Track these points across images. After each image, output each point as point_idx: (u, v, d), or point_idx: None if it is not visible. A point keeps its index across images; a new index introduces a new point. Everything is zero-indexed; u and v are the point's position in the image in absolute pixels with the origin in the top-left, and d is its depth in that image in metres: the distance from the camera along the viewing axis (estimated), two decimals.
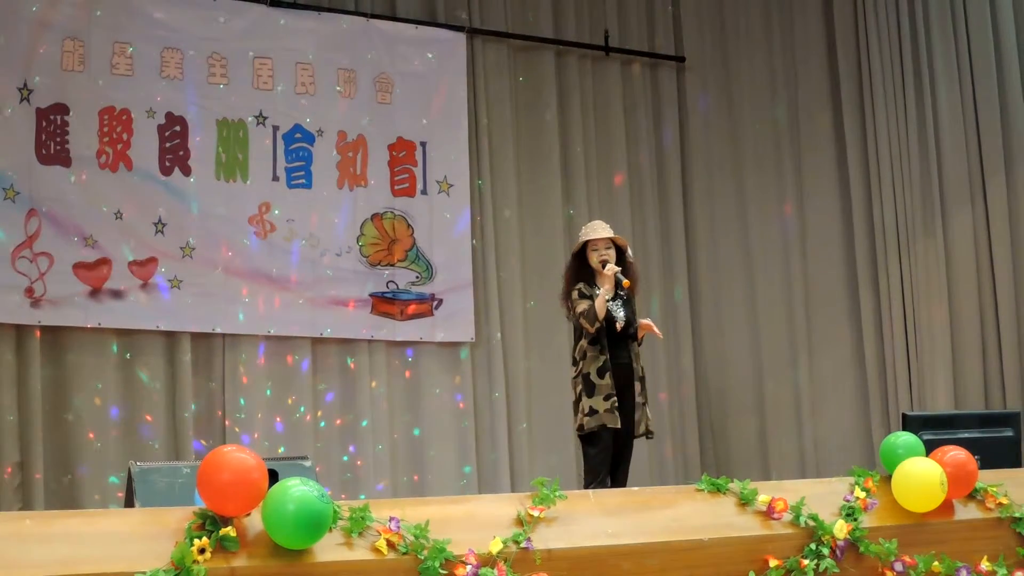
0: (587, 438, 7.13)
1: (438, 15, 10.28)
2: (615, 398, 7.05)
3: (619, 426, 7.02)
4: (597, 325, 7.07)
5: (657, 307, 10.81)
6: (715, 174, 11.20)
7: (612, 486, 6.97)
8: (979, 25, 9.20)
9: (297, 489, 4.18)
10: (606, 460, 7.10)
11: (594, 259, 7.21)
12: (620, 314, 7.17)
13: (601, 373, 7.07)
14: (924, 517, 5.42)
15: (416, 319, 9.88)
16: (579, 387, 7.13)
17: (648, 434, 7.29)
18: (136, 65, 9.08)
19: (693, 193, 11.26)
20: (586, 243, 7.28)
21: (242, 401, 9.21)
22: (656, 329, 7.30)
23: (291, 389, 9.41)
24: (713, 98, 11.27)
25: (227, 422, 9.12)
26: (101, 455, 8.68)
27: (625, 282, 7.12)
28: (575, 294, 7.19)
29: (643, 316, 7.54)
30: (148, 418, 8.90)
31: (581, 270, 7.28)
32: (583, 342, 7.17)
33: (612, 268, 7.13)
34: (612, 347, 7.15)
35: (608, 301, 7.13)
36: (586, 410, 7.07)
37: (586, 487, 6.90)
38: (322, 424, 9.50)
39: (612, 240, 7.26)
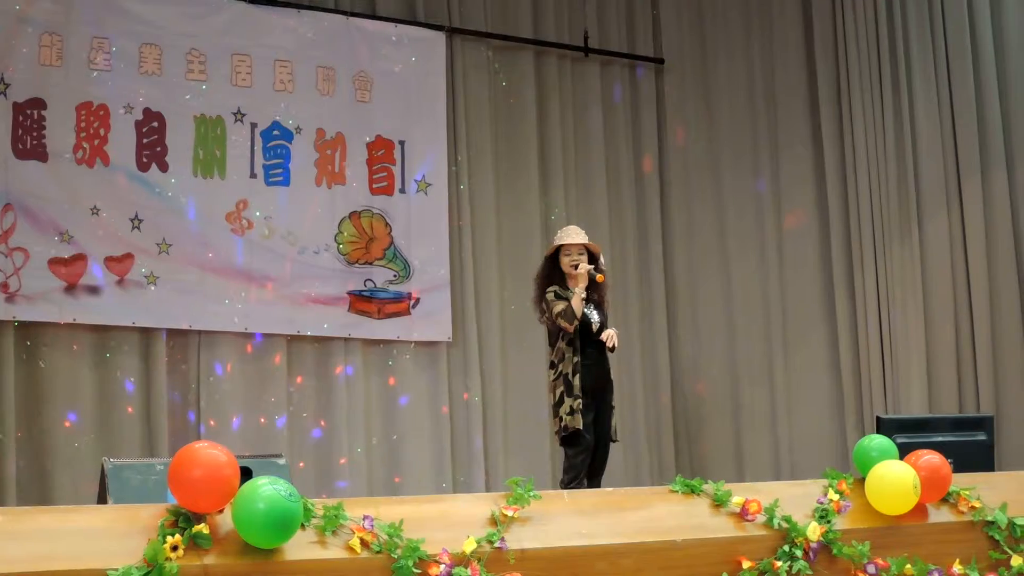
0: (568, 439, 7.12)
1: (418, 14, 10.28)
2: (581, 400, 7.06)
3: (581, 427, 7.03)
4: (576, 323, 7.08)
5: (634, 308, 10.82)
6: (692, 176, 11.22)
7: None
8: (956, 30, 9.24)
9: (266, 488, 4.16)
10: (586, 462, 7.10)
11: (566, 263, 7.22)
12: (595, 317, 7.20)
13: (573, 374, 7.08)
14: (897, 520, 5.43)
15: (393, 318, 9.87)
16: (559, 389, 7.13)
17: (614, 437, 7.33)
18: (114, 60, 9.05)
19: (670, 195, 11.29)
20: (559, 247, 7.29)
21: (217, 398, 9.20)
22: (614, 339, 7.26)
23: (267, 387, 9.40)
24: (691, 100, 11.29)
25: (202, 419, 9.11)
26: (75, 451, 8.66)
27: (599, 276, 7.14)
28: (550, 295, 7.19)
29: (622, 318, 7.53)
30: (122, 414, 8.88)
31: (552, 273, 7.30)
32: (561, 344, 7.17)
33: (584, 267, 7.15)
34: (589, 350, 7.16)
35: (584, 302, 7.15)
36: (567, 410, 7.07)
37: (563, 487, 6.90)
38: (297, 422, 9.49)
39: (585, 246, 7.28)
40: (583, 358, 7.14)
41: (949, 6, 9.30)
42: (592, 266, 7.19)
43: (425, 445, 9.85)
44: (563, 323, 7.10)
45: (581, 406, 7.03)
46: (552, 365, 7.24)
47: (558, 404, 7.13)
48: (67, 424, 8.71)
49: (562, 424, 7.09)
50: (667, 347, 11.04)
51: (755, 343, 10.69)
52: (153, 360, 9.04)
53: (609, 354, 7.31)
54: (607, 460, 7.33)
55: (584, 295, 7.12)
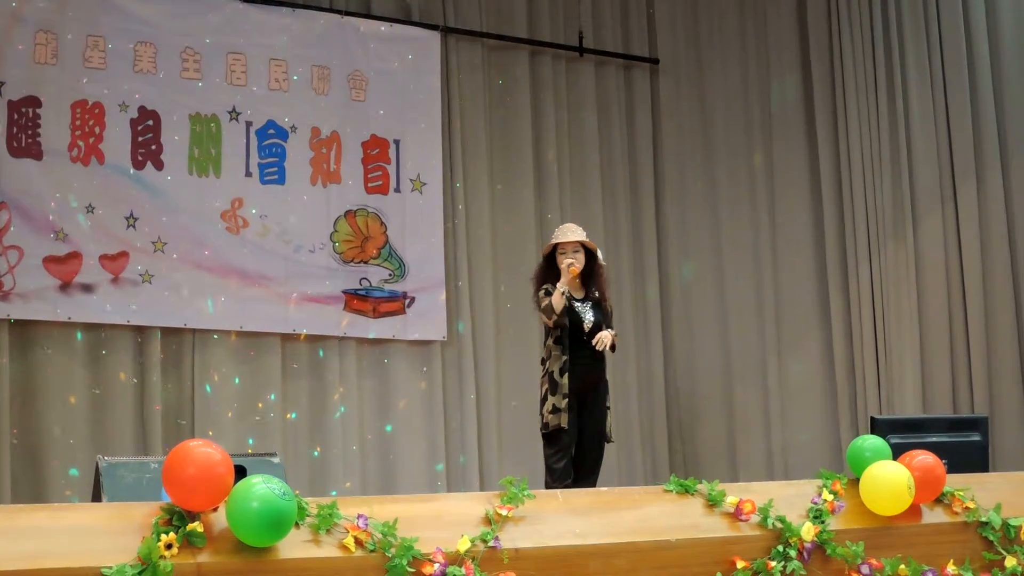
0: (548, 437, 7.16)
1: (413, 13, 10.28)
2: (568, 399, 7.06)
3: (565, 426, 7.03)
4: (555, 318, 7.10)
5: (628, 308, 10.83)
6: (687, 176, 11.23)
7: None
8: (951, 31, 9.23)
9: (260, 487, 4.16)
10: (563, 460, 7.10)
11: (562, 262, 7.22)
12: (588, 316, 7.20)
13: (561, 372, 7.10)
14: (891, 520, 5.44)
15: (389, 317, 9.87)
16: (545, 386, 7.16)
17: (609, 438, 7.33)
18: (109, 59, 9.05)
19: (665, 195, 11.30)
20: (555, 246, 7.30)
21: (211, 397, 9.19)
22: (605, 342, 7.20)
23: (261, 385, 9.39)
24: (686, 101, 11.30)
25: (196, 417, 9.10)
26: (69, 449, 8.65)
27: (573, 270, 7.11)
28: (541, 292, 7.22)
29: (617, 318, 7.52)
30: (117, 412, 8.88)
31: (548, 272, 7.31)
32: (549, 341, 7.21)
33: (566, 262, 7.16)
34: (580, 349, 7.17)
35: (577, 302, 7.17)
36: (550, 408, 7.10)
37: (547, 487, 6.90)
38: (292, 420, 9.49)
39: (583, 244, 7.28)
40: (572, 356, 7.14)
41: (944, 9, 9.30)
42: (572, 262, 7.18)
43: (419, 444, 9.85)
44: (543, 317, 7.16)
45: (565, 405, 7.05)
46: (542, 362, 7.27)
47: (543, 401, 7.16)
48: (61, 422, 8.69)
49: (544, 421, 7.12)
50: (661, 347, 11.05)
51: (749, 343, 10.69)
52: (148, 358, 9.03)
53: (609, 353, 7.31)
54: (601, 460, 7.34)
55: (564, 291, 7.11)
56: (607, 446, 7.39)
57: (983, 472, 6.38)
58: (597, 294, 7.32)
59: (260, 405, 9.36)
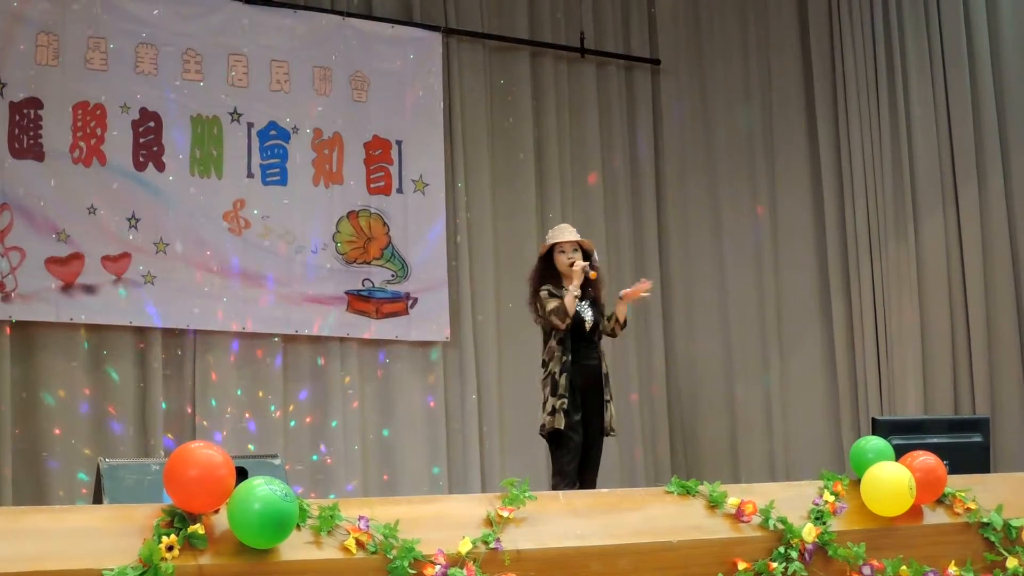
0: (553, 439, 7.14)
1: (414, 14, 10.28)
2: (566, 399, 7.05)
3: (562, 427, 7.03)
4: (568, 322, 7.09)
5: (629, 308, 10.79)
6: (688, 176, 11.22)
7: (581, 488, 6.96)
8: (952, 30, 9.24)
9: (261, 488, 4.16)
10: (573, 462, 7.10)
11: (562, 261, 7.21)
12: (588, 315, 7.21)
13: (560, 372, 7.09)
14: (893, 521, 5.44)
15: (391, 318, 9.87)
16: (546, 388, 7.16)
17: (610, 431, 7.32)
18: (111, 60, 9.05)
19: (666, 195, 11.29)
20: (552, 246, 7.29)
21: (212, 398, 9.19)
22: (639, 288, 7.37)
23: (262, 387, 9.39)
24: (687, 101, 11.30)
25: (197, 419, 9.10)
26: (70, 451, 8.64)
27: (592, 274, 7.13)
28: (543, 294, 7.19)
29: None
30: (118, 414, 8.87)
31: (546, 272, 7.30)
32: (551, 342, 7.19)
33: (580, 264, 7.15)
34: (580, 348, 7.17)
35: (577, 300, 7.17)
36: (549, 409, 7.10)
37: (554, 489, 6.90)
38: (293, 422, 9.49)
39: (579, 243, 7.28)
40: (573, 356, 7.14)
41: (945, 8, 9.30)
42: (587, 263, 7.19)
43: (421, 445, 9.85)
44: (555, 321, 7.11)
45: (565, 406, 7.03)
46: (543, 364, 7.26)
47: (544, 403, 7.15)
48: (63, 423, 8.69)
49: (541, 423, 7.12)
50: (663, 347, 11.03)
51: (751, 343, 10.69)
52: (149, 360, 9.03)
53: (603, 351, 7.31)
54: (600, 457, 7.32)
55: (578, 293, 7.12)
56: (609, 444, 7.38)
57: (984, 473, 6.39)
58: (593, 293, 7.32)
59: (261, 406, 9.35)
